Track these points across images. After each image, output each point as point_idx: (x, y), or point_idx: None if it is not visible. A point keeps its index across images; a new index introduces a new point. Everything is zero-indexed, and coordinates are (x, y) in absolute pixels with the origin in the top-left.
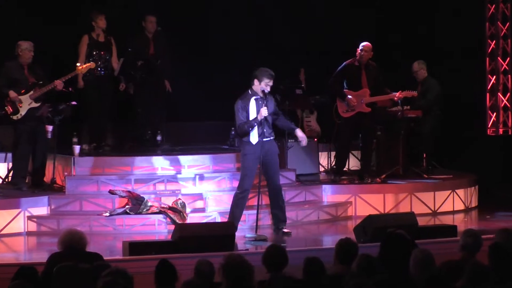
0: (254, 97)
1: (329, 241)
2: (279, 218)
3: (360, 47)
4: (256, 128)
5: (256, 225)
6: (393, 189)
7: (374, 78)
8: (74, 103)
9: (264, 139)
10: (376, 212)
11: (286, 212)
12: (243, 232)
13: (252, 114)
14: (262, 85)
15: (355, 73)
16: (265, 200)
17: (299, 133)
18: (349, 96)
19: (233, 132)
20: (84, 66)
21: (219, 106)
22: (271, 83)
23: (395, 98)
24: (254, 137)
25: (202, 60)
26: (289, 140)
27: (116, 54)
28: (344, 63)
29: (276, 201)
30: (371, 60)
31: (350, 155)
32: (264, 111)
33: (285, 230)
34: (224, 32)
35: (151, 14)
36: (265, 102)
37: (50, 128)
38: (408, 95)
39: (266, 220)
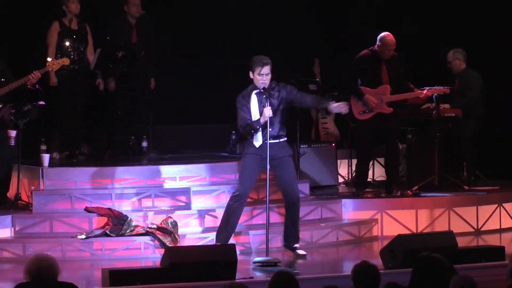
0: (255, 92)
1: (350, 267)
2: (290, 234)
3: (379, 41)
4: (260, 130)
5: (267, 246)
6: (427, 203)
7: (395, 71)
8: (42, 103)
9: (271, 141)
10: (407, 232)
11: (298, 230)
12: (246, 256)
13: (254, 111)
14: (256, 76)
15: (372, 66)
16: (274, 217)
17: (332, 106)
18: (368, 96)
19: (233, 137)
20: (56, 62)
21: (216, 106)
22: (264, 71)
23: (421, 96)
24: (257, 140)
25: (196, 53)
26: (302, 146)
27: (92, 44)
28: (359, 54)
29: (288, 214)
30: None
31: (376, 163)
32: (268, 112)
33: (300, 252)
34: (221, 19)
35: None
36: (268, 100)
37: (13, 133)
38: (438, 92)
39: (277, 241)
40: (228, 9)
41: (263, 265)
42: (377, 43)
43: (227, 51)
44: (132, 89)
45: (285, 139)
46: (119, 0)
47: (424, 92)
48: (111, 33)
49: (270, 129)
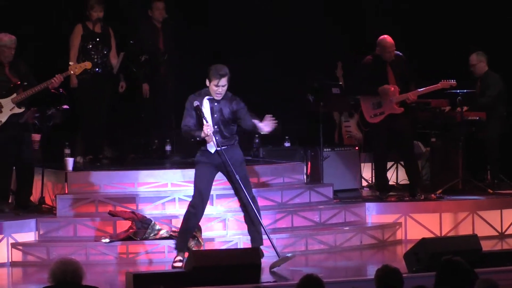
0: (207, 97)
1: (374, 271)
2: (252, 236)
3: (377, 45)
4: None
5: (274, 247)
6: (451, 207)
7: (402, 73)
8: (65, 107)
9: (222, 147)
10: (431, 235)
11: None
12: (270, 260)
13: (206, 115)
14: (212, 87)
15: (378, 70)
16: (298, 221)
17: (259, 124)
18: (381, 87)
19: (257, 141)
20: (79, 66)
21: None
22: (221, 83)
23: (430, 90)
24: (212, 146)
25: (217, 55)
26: (325, 149)
27: (115, 47)
28: (363, 60)
29: (245, 214)
30: (396, 51)
31: (399, 166)
32: (207, 129)
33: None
34: (243, 22)
35: (159, 0)
36: (216, 107)
37: (37, 137)
38: (445, 85)
39: (300, 245)
40: (252, 12)
41: (278, 264)
42: (377, 47)
43: (248, 54)
44: (156, 92)
45: (236, 142)
46: (144, 5)
47: (437, 86)
48: (137, 37)
49: (216, 138)
